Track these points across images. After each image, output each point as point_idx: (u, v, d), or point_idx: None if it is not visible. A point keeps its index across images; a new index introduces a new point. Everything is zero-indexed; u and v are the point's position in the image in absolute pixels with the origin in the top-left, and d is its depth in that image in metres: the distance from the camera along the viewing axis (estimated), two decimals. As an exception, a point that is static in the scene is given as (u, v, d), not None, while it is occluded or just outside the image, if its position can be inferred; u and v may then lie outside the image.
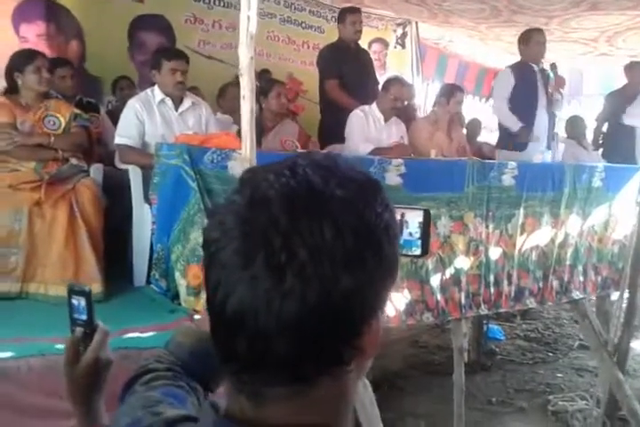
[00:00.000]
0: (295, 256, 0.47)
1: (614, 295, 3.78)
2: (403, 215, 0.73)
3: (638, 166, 3.65)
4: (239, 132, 2.27)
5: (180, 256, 2.24)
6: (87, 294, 0.86)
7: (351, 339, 0.51)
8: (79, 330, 0.85)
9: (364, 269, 0.50)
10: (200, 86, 3.94)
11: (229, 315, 0.49)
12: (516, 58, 6.16)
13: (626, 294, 3.44)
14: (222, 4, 4.60)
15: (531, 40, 4.18)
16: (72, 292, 0.86)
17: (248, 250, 0.48)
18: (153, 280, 2.45)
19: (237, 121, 2.63)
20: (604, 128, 5.31)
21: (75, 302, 0.85)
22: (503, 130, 4.30)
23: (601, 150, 5.14)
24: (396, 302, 2.74)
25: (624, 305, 3.42)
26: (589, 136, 5.30)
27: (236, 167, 2.26)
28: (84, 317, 0.85)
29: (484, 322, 3.96)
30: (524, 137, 4.08)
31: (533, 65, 4.21)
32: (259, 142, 2.87)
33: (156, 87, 2.96)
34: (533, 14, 4.94)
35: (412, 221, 0.74)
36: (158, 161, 2.43)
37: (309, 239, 0.47)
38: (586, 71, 7.00)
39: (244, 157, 2.15)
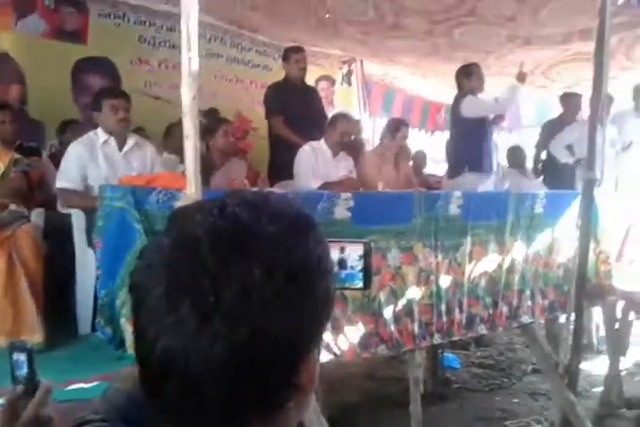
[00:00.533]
0: (223, 298, 0.46)
1: (562, 318, 3.87)
2: (343, 249, 0.74)
3: (577, 192, 3.80)
4: (185, 172, 2.27)
5: (126, 301, 2.19)
6: (29, 351, 0.84)
7: (288, 377, 0.50)
8: (20, 387, 0.82)
9: (295, 307, 0.49)
10: (147, 127, 3.94)
11: (158, 361, 0.47)
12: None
13: (572, 316, 3.53)
14: (167, 45, 4.65)
15: (472, 74, 4.39)
16: (13, 348, 0.84)
17: (175, 293, 0.47)
18: (98, 327, 2.37)
19: (183, 160, 2.64)
20: (543, 156, 5.55)
21: (16, 358, 0.83)
22: (457, 157, 4.48)
23: (541, 178, 5.35)
24: (350, 336, 2.73)
25: (572, 327, 3.50)
26: (530, 165, 5.53)
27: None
28: (25, 373, 0.83)
29: (440, 351, 3.98)
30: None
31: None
32: (207, 181, 2.87)
33: (98, 129, 2.94)
34: (471, 50, 5.18)
35: (353, 254, 0.74)
36: (102, 204, 2.39)
37: (238, 280, 0.46)
38: (524, 103, 7.34)
39: (191, 196, 2.14)
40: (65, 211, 2.76)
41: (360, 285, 0.74)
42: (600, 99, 3.31)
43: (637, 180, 4.79)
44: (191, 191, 2.13)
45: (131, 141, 2.98)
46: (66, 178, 2.81)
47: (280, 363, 0.49)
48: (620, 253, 4.92)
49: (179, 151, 3.56)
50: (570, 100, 5.44)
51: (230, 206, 0.51)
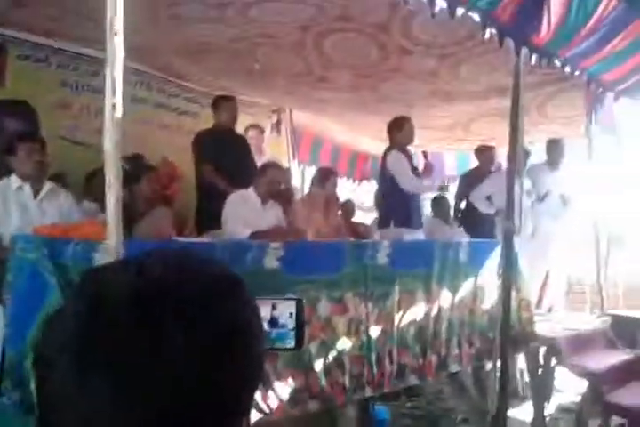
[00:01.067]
0: (139, 367, 0.42)
1: (488, 365, 3.92)
2: (274, 306, 0.70)
3: (497, 241, 3.94)
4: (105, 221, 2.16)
5: (36, 362, 2.00)
6: None
7: None
8: None
9: (223, 372, 0.46)
10: (68, 173, 3.77)
11: None
12: (384, 144, 6.63)
13: (498, 364, 3.58)
14: (90, 90, 4.53)
15: (403, 127, 4.56)
16: None
17: (86, 363, 0.42)
18: (4, 391, 2.15)
19: (104, 209, 2.52)
20: (462, 205, 5.78)
21: None
22: (384, 211, 4.55)
23: (462, 227, 5.54)
24: (280, 392, 2.63)
25: (498, 374, 3.54)
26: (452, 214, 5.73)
27: (103, 259, 2.12)
28: None
29: (371, 404, 3.90)
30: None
31: (407, 149, 4.58)
32: (129, 231, 2.75)
33: (12, 175, 2.78)
34: (396, 104, 5.40)
35: (285, 312, 0.70)
36: (13, 256, 2.22)
37: (156, 347, 0.43)
38: (446, 154, 7.69)
39: (111, 247, 2.03)
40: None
41: (292, 344, 0.71)
42: (517, 152, 3.51)
43: (553, 229, 5.06)
44: (112, 242, 2.01)
45: (46, 188, 2.83)
46: (-27, 228, 2.60)
47: None
48: (539, 299, 5.12)
49: (100, 199, 3.42)
50: (484, 153, 5.76)
51: (150, 266, 0.48)
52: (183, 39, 4.01)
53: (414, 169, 4.64)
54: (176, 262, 0.50)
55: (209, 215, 3.87)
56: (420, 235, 4.54)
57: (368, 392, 3.06)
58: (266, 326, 0.69)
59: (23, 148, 2.74)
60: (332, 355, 2.92)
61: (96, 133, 4.35)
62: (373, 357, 3.13)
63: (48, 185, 2.87)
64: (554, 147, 5.26)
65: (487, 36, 2.89)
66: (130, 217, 2.61)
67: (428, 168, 4.86)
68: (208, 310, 0.47)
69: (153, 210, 3.41)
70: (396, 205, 4.47)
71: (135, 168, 3.49)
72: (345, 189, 7.59)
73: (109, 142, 2.02)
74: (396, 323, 3.30)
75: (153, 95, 5.09)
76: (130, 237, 2.80)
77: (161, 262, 0.49)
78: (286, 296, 0.73)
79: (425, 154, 4.73)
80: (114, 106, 2.01)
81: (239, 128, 4.79)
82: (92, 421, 0.42)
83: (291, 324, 0.70)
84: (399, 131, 4.57)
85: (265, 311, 0.69)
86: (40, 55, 4.32)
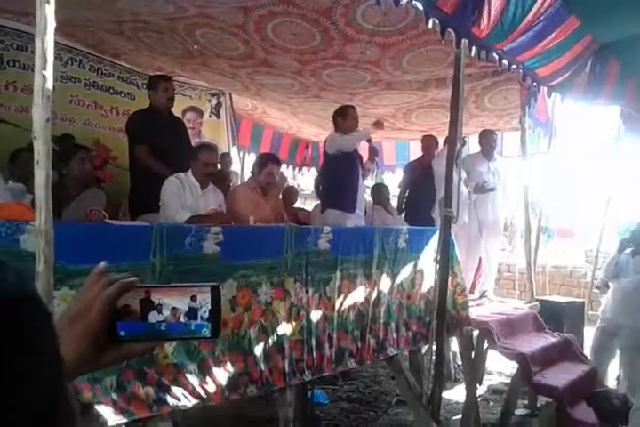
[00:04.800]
0: None
1: (424, 349, 4.03)
2: (194, 298, 0.67)
3: (435, 228, 4.03)
4: (33, 202, 2.03)
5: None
6: None
7: None
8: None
9: None
10: (-9, 152, 3.54)
11: None
12: (325, 131, 6.64)
13: (434, 347, 3.68)
14: (17, 66, 4.25)
15: (347, 115, 4.60)
16: None
17: None
18: None
19: (32, 189, 2.37)
20: (406, 194, 5.88)
21: None
22: (323, 194, 4.58)
23: (404, 214, 5.64)
24: (218, 377, 2.59)
25: (433, 358, 3.64)
26: (393, 202, 5.81)
27: (30, 241, 2.01)
28: None
29: (309, 388, 3.93)
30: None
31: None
32: (58, 213, 2.61)
33: None
34: (338, 91, 5.40)
35: (202, 301, 0.68)
36: None
37: None
38: (385, 144, 7.78)
39: (39, 228, 1.91)
40: None
41: (207, 333, 0.67)
42: (456, 141, 3.59)
43: (486, 218, 5.23)
44: (40, 223, 1.90)
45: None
46: None
47: None
48: (473, 285, 5.29)
49: (26, 179, 3.23)
50: (428, 142, 5.86)
51: None
52: (118, 15, 3.83)
53: (357, 156, 4.68)
54: None
55: (143, 198, 3.73)
56: (360, 219, 4.58)
57: (307, 376, 3.06)
58: (183, 318, 0.67)
59: None
60: (271, 340, 2.91)
61: (21, 112, 4.16)
62: (313, 341, 3.14)
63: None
64: (487, 137, 5.42)
65: (430, 25, 2.91)
66: (58, 199, 2.48)
67: (372, 152, 4.92)
68: None
69: (84, 191, 3.26)
70: (336, 188, 4.52)
71: (65, 148, 3.32)
72: (287, 174, 7.55)
73: (38, 117, 1.90)
74: (336, 308, 3.32)
75: (85, 73, 4.85)
76: (60, 219, 2.67)
77: None
78: (206, 283, 0.69)
79: (368, 139, 4.77)
80: (44, 78, 1.89)
81: (177, 110, 4.65)
82: None
83: (206, 312, 0.68)
84: (343, 119, 4.62)
85: (183, 303, 0.67)
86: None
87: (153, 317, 0.66)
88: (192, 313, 0.67)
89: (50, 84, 1.89)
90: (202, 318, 0.67)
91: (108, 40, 4.54)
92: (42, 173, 1.90)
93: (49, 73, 1.88)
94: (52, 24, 1.90)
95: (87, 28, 4.26)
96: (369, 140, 4.84)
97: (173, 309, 0.67)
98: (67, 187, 3.15)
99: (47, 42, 1.86)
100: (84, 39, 4.58)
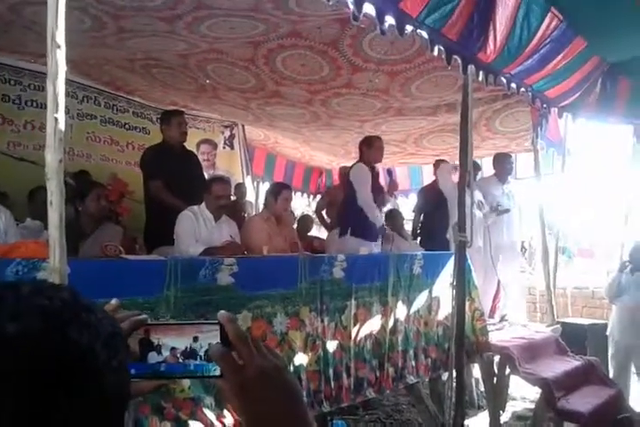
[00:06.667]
0: None
1: (444, 376, 3.95)
2: (196, 339, 0.66)
3: (451, 253, 4.00)
4: (50, 240, 2.07)
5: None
6: None
7: None
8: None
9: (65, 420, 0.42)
10: (9, 190, 3.63)
11: None
12: (337, 158, 6.68)
13: (454, 374, 3.61)
14: (34, 105, 4.39)
15: (373, 146, 4.64)
16: None
17: None
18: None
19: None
20: (421, 219, 5.86)
21: None
22: (343, 220, 4.61)
23: (419, 239, 5.61)
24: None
25: (454, 385, 3.56)
26: (407, 227, 5.79)
27: (47, 278, 2.04)
28: None
29: (329, 419, 3.86)
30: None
31: (375, 166, 4.68)
32: (75, 248, 2.65)
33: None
34: (349, 119, 5.47)
35: (205, 341, 0.66)
36: (-52, 277, 2.11)
37: None
38: (398, 169, 7.79)
39: (54, 267, 1.94)
40: None
41: (218, 372, 0.65)
42: (467, 165, 3.58)
43: (503, 241, 5.18)
44: (55, 261, 1.93)
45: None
46: None
47: None
48: (492, 309, 5.21)
49: (43, 217, 3.29)
50: (440, 167, 5.85)
51: None
52: (131, 53, 3.94)
53: (378, 186, 4.71)
54: None
55: (158, 232, 3.77)
56: (376, 247, 4.57)
57: (326, 407, 3.02)
58: (182, 358, 0.65)
59: None
60: (288, 371, 2.88)
61: (39, 150, 4.26)
62: (331, 371, 3.11)
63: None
64: (501, 160, 5.41)
65: (435, 53, 2.94)
66: (75, 235, 2.52)
67: (393, 186, 4.96)
68: (31, 349, 0.43)
69: (100, 227, 3.31)
70: (354, 215, 4.52)
71: (81, 185, 3.39)
72: (300, 203, 7.59)
73: (52, 158, 1.95)
74: (352, 336, 3.29)
75: (101, 110, 4.98)
76: (77, 254, 2.71)
77: None
78: (208, 321, 0.68)
79: (389, 172, 4.81)
80: (56, 120, 1.94)
81: (191, 143, 4.73)
82: None
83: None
84: (368, 148, 4.67)
85: (182, 343, 0.66)
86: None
87: (152, 357, 0.66)
88: (191, 353, 0.66)
89: (62, 127, 1.94)
90: (201, 358, 0.65)
91: (122, 77, 4.67)
92: (55, 214, 1.93)
93: (61, 116, 1.93)
94: (62, 68, 1.96)
95: (102, 67, 4.39)
96: (390, 174, 4.87)
97: (172, 349, 0.66)
98: (83, 223, 3.20)
99: (59, 86, 1.92)
100: (99, 77, 4.71)
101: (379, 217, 4.61)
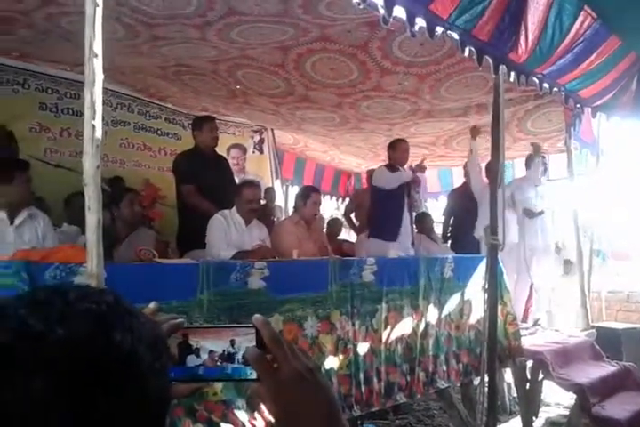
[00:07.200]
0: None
1: (476, 381, 3.90)
2: (233, 342, 0.67)
3: (482, 256, 3.95)
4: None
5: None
6: None
7: None
8: None
9: (110, 420, 0.43)
10: (46, 196, 3.72)
11: None
12: (366, 162, 6.68)
13: (486, 379, 3.56)
14: (70, 113, 4.51)
15: (397, 148, 4.76)
16: None
17: None
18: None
19: (85, 232, 2.48)
20: (451, 222, 5.81)
21: None
22: (375, 221, 4.69)
23: (449, 242, 5.56)
24: (266, 413, 2.58)
25: (486, 390, 3.51)
26: (437, 230, 5.75)
27: (83, 283, 2.09)
28: None
29: (359, 423, 3.85)
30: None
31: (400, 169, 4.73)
32: (110, 254, 2.71)
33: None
34: (377, 122, 5.46)
35: (244, 344, 0.66)
36: (-10, 281, 2.17)
37: (13, 405, 0.40)
38: (428, 171, 7.73)
39: (91, 271, 1.99)
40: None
41: (254, 375, 0.65)
42: (499, 167, 3.54)
43: (536, 243, 5.09)
44: (92, 265, 1.98)
45: (24, 213, 2.79)
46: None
47: None
48: (525, 313, 5.13)
49: (80, 222, 3.37)
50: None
51: (13, 309, 0.45)
52: (164, 60, 4.02)
53: (409, 190, 4.75)
54: (46, 301, 0.47)
55: (191, 236, 3.83)
56: (406, 250, 4.56)
57: (356, 411, 3.02)
58: (220, 362, 0.66)
59: (19, 179, 2.71)
60: (319, 375, 2.88)
61: (75, 156, 4.37)
62: (361, 375, 3.10)
63: (26, 210, 2.82)
64: (534, 162, 5.33)
65: (466, 54, 2.92)
66: (110, 240, 2.58)
67: (416, 181, 4.93)
68: (79, 350, 0.45)
69: (134, 232, 3.37)
70: (377, 218, 4.56)
71: (115, 191, 3.46)
72: (329, 206, 7.60)
73: (89, 164, 1.99)
74: (383, 340, 3.28)
75: (134, 117, 5.08)
76: (112, 259, 2.77)
77: (29, 303, 0.46)
78: (247, 324, 0.68)
79: (412, 169, 4.78)
80: (93, 127, 1.99)
81: (221, 147, 4.79)
82: None
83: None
84: (394, 151, 4.80)
85: (220, 346, 0.67)
86: (18, 79, 4.30)
87: (191, 360, 0.67)
88: (229, 357, 0.66)
89: (99, 134, 1.99)
90: (238, 361, 0.66)
91: (154, 84, 4.76)
92: (93, 218, 1.98)
93: (98, 123, 1.98)
94: (100, 77, 2.01)
95: (135, 74, 4.48)
96: (413, 171, 4.85)
97: (211, 352, 0.67)
98: (117, 228, 3.27)
99: (96, 93, 1.97)
100: (133, 84, 4.82)
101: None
